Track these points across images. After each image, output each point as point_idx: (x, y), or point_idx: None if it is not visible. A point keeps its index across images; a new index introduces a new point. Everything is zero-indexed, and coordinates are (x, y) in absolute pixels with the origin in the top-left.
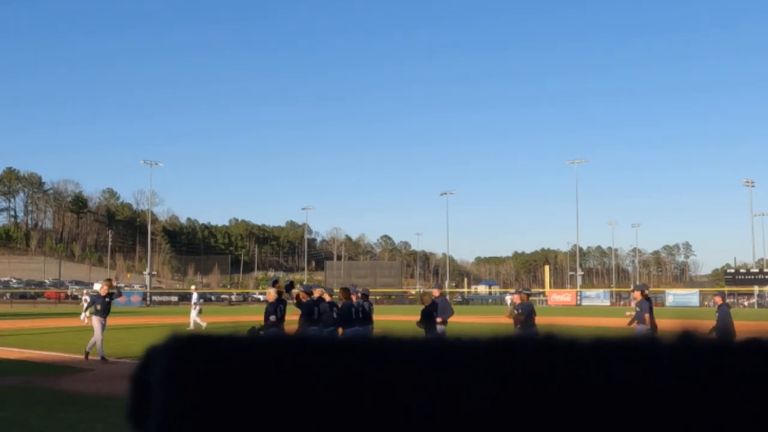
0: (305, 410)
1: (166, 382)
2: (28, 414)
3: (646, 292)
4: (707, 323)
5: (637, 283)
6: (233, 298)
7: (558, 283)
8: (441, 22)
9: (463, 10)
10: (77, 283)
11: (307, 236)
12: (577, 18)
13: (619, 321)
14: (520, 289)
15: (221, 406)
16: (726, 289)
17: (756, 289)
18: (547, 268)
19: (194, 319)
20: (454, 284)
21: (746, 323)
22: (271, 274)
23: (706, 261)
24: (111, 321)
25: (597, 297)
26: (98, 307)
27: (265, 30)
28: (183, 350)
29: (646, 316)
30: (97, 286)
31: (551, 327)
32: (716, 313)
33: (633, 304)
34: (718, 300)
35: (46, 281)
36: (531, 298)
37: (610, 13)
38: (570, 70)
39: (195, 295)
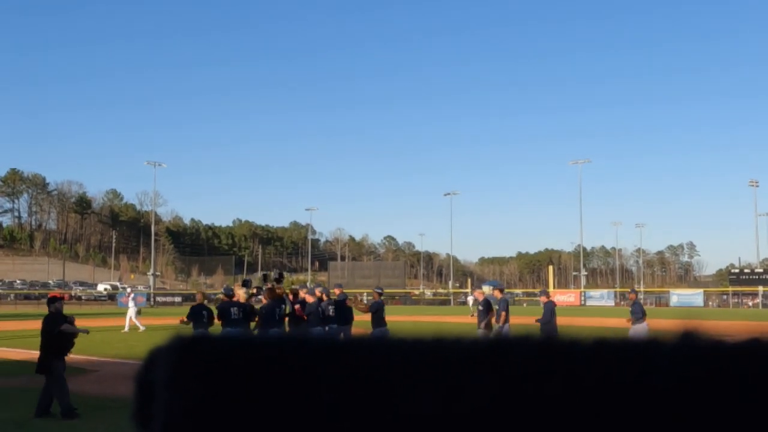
0: (307, 410)
1: (169, 383)
2: (33, 414)
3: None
4: (708, 323)
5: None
6: None
7: (562, 283)
8: (445, 29)
9: (468, 18)
10: (81, 284)
11: (310, 237)
12: (579, 22)
13: (623, 322)
14: (377, 288)
15: (224, 406)
16: (730, 289)
17: (760, 289)
18: (550, 268)
19: (131, 317)
20: (457, 284)
21: (750, 323)
22: (272, 274)
23: (711, 261)
24: (114, 322)
25: (601, 297)
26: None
27: (270, 35)
28: (186, 351)
29: (504, 313)
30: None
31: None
32: (543, 310)
33: (492, 302)
34: (543, 299)
35: (50, 282)
36: (535, 298)
37: (613, 19)
38: (573, 72)
39: (134, 296)
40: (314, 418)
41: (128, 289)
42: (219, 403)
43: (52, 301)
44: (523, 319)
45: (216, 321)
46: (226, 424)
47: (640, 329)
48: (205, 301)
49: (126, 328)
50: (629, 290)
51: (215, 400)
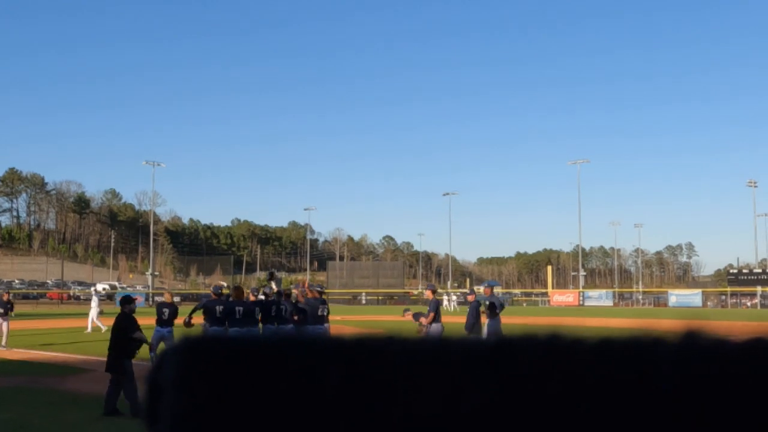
0: (312, 410)
1: (176, 384)
2: (33, 414)
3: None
4: (710, 324)
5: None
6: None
7: (560, 283)
8: (444, 30)
9: (466, 19)
10: (80, 283)
11: (309, 237)
12: (578, 23)
13: (623, 322)
14: (317, 287)
15: (231, 406)
16: (729, 289)
17: (759, 289)
18: (549, 268)
19: (93, 319)
20: (456, 284)
21: (750, 324)
22: (265, 275)
23: (709, 261)
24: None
25: (599, 297)
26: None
27: (268, 36)
28: (193, 352)
29: (432, 314)
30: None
31: (554, 328)
32: (467, 310)
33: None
34: (471, 298)
35: (49, 282)
36: (534, 298)
37: (611, 20)
38: (571, 73)
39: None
40: (318, 418)
41: (92, 289)
42: (226, 403)
43: (128, 301)
44: (521, 319)
45: (202, 319)
46: (232, 424)
47: (493, 324)
48: (174, 299)
49: (89, 329)
50: (486, 285)
51: (222, 401)
